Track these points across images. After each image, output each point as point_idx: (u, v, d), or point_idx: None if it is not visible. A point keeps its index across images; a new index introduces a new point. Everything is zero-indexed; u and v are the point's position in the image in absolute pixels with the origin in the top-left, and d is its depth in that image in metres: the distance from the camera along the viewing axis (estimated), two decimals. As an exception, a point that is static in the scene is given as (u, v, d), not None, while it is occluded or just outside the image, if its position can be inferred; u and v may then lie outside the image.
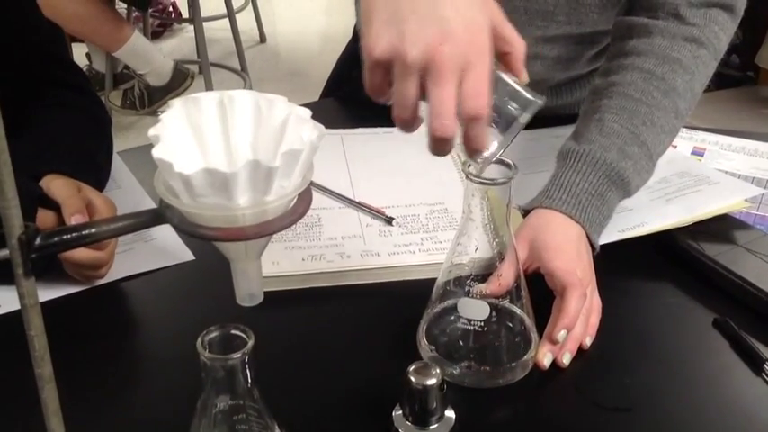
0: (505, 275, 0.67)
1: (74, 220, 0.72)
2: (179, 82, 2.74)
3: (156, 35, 3.37)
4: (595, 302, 0.73)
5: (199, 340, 0.47)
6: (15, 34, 0.88)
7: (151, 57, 2.67)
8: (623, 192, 0.81)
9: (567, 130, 1.08)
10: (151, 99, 2.73)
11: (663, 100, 0.82)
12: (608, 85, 0.85)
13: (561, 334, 0.68)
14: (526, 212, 0.80)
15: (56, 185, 0.76)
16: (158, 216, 0.41)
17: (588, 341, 0.71)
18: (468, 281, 0.66)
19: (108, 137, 0.95)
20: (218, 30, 3.22)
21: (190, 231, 0.41)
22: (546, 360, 0.68)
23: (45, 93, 0.91)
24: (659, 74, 0.83)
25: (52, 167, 0.79)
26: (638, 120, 0.81)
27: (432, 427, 0.59)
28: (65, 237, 0.39)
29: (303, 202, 0.43)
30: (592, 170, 0.79)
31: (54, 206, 0.74)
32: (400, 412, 0.60)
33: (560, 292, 0.71)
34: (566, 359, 0.69)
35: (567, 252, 0.73)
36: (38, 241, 0.38)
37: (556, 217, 0.77)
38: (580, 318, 0.70)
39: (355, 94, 1.15)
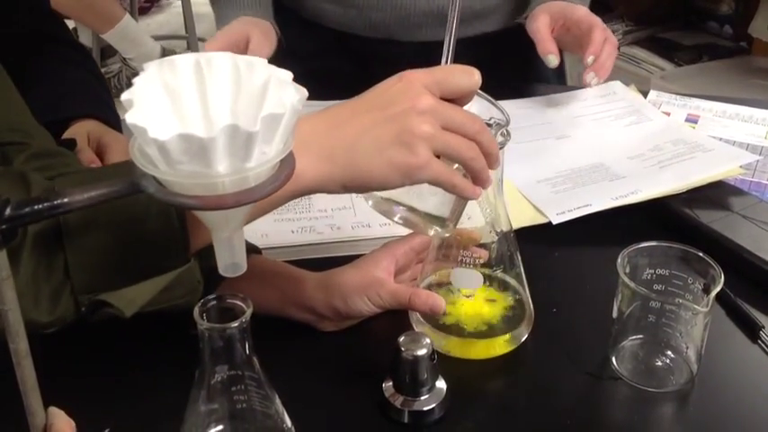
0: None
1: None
2: (166, 68, 2.71)
3: (143, 11, 3.32)
4: (612, 40, 0.98)
5: (196, 310, 0.46)
6: None
7: (140, 41, 2.63)
8: None
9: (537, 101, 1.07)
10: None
11: None
12: None
13: (590, 59, 0.95)
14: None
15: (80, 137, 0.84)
16: (134, 185, 0.39)
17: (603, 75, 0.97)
18: (461, 251, 0.65)
19: (106, 85, 0.99)
20: (205, 5, 3.11)
21: (167, 200, 0.39)
22: (590, 78, 0.96)
23: (42, 48, 0.93)
24: None
25: (78, 112, 0.86)
26: None
27: (423, 397, 0.58)
28: (36, 207, 0.38)
29: (285, 168, 0.41)
30: None
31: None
32: (391, 383, 0.59)
33: (585, 30, 0.96)
34: (593, 81, 0.96)
35: (587, 9, 1.00)
36: (8, 212, 0.36)
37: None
38: (604, 48, 0.96)
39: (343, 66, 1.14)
